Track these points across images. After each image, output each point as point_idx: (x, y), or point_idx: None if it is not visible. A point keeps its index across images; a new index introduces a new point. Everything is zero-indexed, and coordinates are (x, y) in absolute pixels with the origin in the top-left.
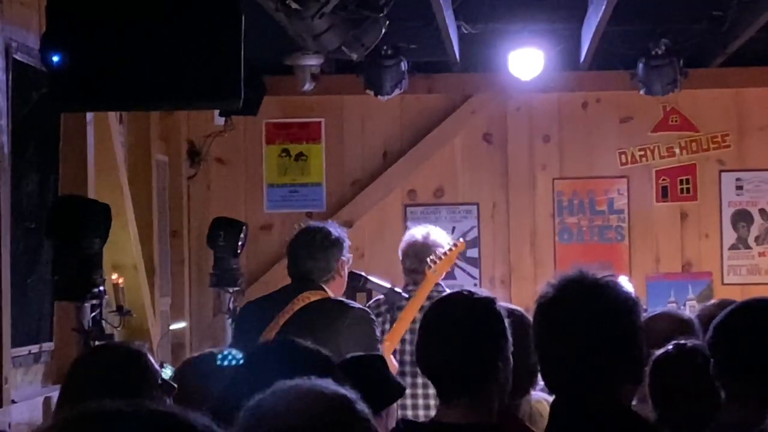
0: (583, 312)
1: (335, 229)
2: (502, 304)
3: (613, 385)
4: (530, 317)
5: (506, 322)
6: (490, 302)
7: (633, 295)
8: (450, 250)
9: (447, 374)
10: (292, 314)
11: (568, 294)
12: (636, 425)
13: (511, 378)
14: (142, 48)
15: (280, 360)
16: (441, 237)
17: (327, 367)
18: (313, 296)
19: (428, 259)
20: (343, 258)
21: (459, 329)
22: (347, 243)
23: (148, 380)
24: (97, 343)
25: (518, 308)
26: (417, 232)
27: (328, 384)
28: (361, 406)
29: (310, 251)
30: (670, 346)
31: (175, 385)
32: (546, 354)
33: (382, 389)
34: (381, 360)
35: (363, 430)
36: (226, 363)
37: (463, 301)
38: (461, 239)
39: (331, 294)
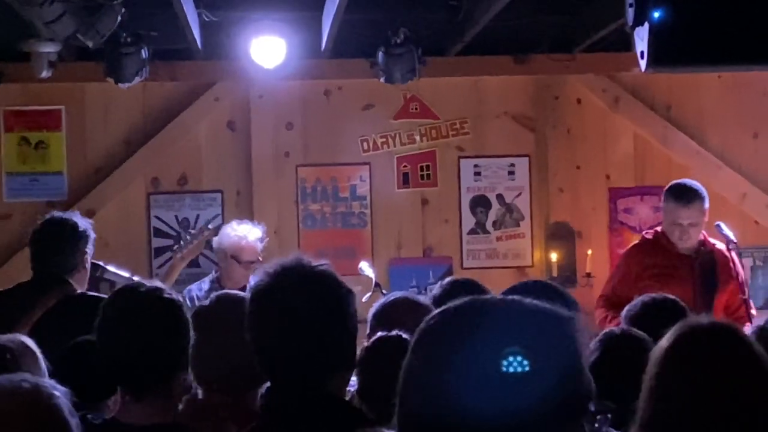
0: (297, 299)
1: (82, 221)
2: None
3: (325, 373)
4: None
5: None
6: (176, 300)
7: (346, 284)
8: (197, 237)
9: (128, 373)
10: (44, 311)
11: (283, 281)
12: (345, 412)
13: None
14: None
15: None
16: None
17: None
18: (63, 292)
19: (174, 247)
20: (87, 250)
21: (138, 326)
22: (93, 236)
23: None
24: None
25: (243, 294)
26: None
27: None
28: (57, 401)
29: (58, 245)
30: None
31: None
32: (259, 341)
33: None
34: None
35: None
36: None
37: (142, 296)
38: (210, 226)
39: (78, 288)
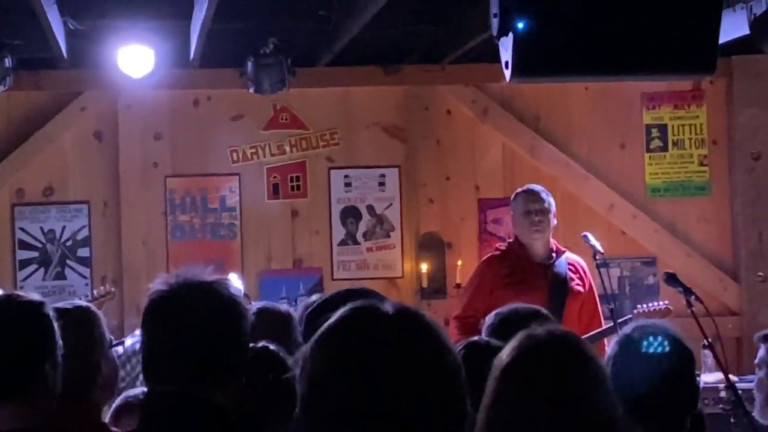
0: (188, 309)
1: None
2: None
3: (214, 383)
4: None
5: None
6: (36, 305)
7: (239, 296)
8: (103, 296)
9: None
10: None
11: (178, 290)
12: (225, 422)
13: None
14: None
15: None
16: None
17: None
18: None
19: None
20: None
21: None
22: None
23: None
24: None
25: (85, 305)
26: None
27: None
28: None
29: None
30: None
31: None
32: (150, 350)
33: None
34: None
35: None
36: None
37: (6, 305)
38: (113, 289)
39: None
